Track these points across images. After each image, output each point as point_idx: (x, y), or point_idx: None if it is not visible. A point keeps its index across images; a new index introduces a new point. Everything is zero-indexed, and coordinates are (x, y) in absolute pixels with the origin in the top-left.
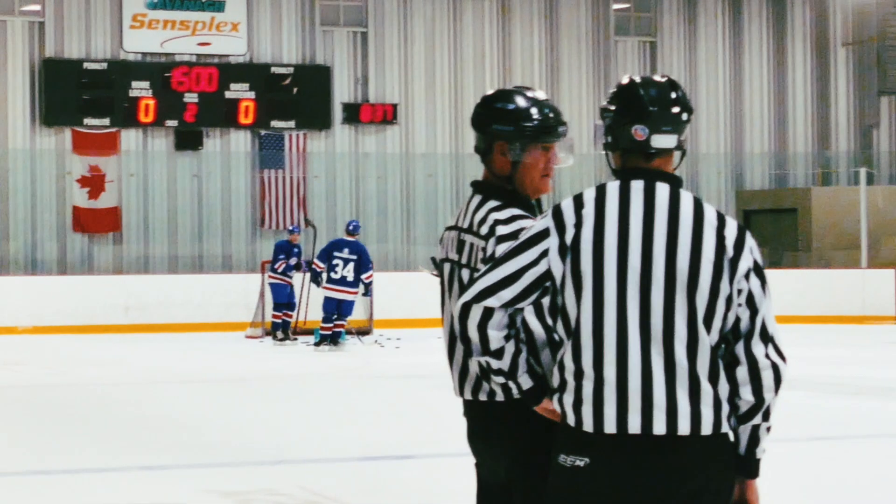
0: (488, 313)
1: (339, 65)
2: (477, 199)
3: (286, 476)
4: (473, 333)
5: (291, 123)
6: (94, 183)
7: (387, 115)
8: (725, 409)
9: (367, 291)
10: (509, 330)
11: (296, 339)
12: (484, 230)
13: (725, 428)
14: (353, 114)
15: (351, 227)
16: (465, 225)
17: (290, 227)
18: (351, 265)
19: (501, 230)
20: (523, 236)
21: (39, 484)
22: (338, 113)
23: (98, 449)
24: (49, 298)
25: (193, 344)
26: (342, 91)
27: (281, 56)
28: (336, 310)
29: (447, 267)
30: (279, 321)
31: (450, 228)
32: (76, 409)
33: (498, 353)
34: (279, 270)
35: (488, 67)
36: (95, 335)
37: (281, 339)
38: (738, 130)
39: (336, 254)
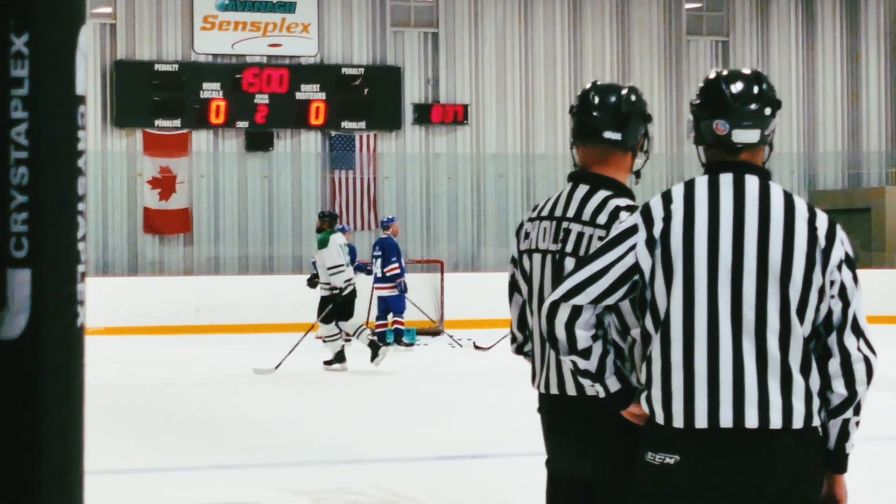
0: (576, 312)
1: (409, 65)
2: (583, 188)
3: (360, 475)
4: (561, 332)
5: (362, 124)
6: (164, 184)
7: (457, 116)
8: (816, 402)
9: (399, 286)
10: (597, 330)
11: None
12: (602, 218)
13: (816, 422)
14: (423, 114)
15: (382, 223)
16: (571, 214)
17: (340, 227)
18: (379, 261)
19: (625, 217)
20: (611, 234)
21: (114, 484)
22: (408, 114)
23: (171, 448)
24: (120, 299)
25: (264, 344)
26: (413, 92)
27: (352, 57)
28: (385, 307)
29: (537, 258)
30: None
31: (538, 219)
32: (148, 409)
33: (585, 353)
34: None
35: (559, 68)
36: (166, 336)
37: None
38: (811, 130)
39: (374, 253)
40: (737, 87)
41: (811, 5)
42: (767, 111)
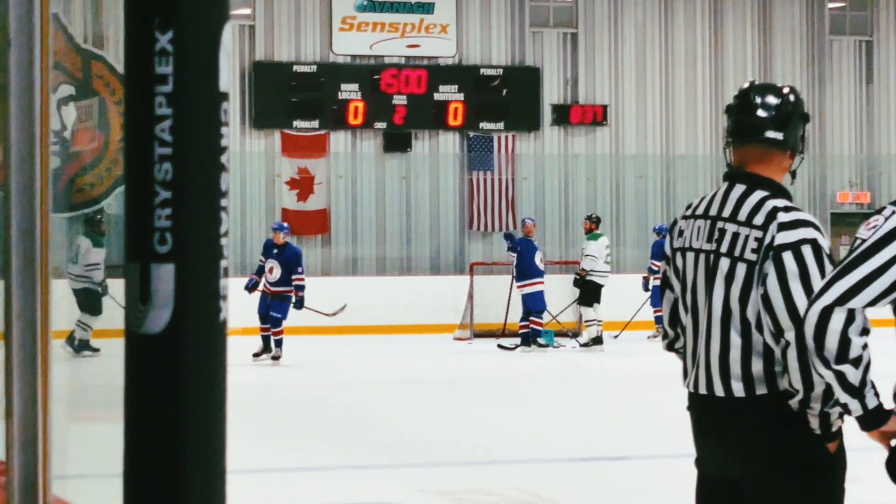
0: (851, 317)
1: (548, 66)
2: (740, 188)
3: (498, 476)
4: (833, 340)
5: (500, 125)
6: (302, 185)
7: (596, 117)
8: None
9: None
10: (867, 337)
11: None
12: (759, 219)
13: None
14: (562, 115)
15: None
16: (726, 214)
17: (275, 225)
18: (514, 260)
19: (783, 218)
20: (876, 236)
21: (256, 482)
22: (547, 114)
23: (311, 448)
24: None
25: (401, 346)
26: (551, 92)
27: (490, 58)
28: (527, 308)
29: (690, 256)
30: (266, 334)
31: (693, 217)
32: (286, 409)
33: (856, 362)
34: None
35: (700, 68)
36: (304, 336)
37: (256, 354)
38: None
39: (509, 253)
40: None
41: None
42: None
